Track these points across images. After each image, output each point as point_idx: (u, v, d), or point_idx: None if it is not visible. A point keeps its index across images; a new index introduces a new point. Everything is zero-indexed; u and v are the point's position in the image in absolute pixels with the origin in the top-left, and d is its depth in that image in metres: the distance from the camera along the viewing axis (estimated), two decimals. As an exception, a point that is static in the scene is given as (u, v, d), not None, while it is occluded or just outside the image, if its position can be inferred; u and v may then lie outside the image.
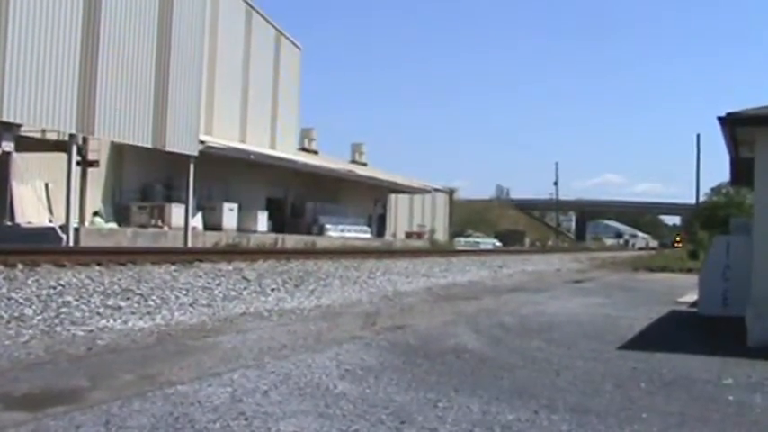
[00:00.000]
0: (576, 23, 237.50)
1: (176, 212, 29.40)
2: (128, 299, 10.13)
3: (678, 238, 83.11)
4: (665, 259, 37.59)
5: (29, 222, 25.26)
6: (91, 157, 25.89)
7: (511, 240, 75.25)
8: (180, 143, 25.92)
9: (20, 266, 11.67)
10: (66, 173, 21.83)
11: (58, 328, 7.96)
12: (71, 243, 21.02)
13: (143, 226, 29.00)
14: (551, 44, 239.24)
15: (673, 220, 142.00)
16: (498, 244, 67.23)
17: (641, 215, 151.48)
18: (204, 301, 10.79)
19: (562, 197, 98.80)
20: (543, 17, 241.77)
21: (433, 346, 7.98)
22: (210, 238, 29.19)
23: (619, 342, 8.91)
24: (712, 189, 57.56)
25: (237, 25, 39.83)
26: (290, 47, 45.51)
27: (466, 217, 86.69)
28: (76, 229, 22.57)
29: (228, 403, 5.09)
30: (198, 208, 31.47)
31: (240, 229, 33.94)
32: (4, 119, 19.35)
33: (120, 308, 9.48)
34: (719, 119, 9.32)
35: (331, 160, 48.95)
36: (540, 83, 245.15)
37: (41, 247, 16.17)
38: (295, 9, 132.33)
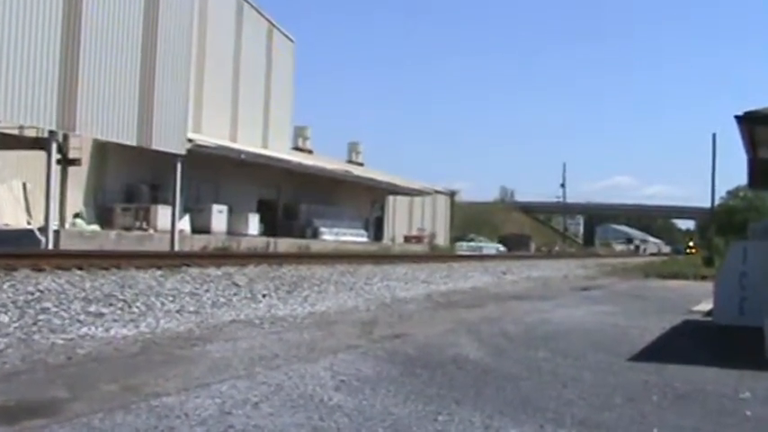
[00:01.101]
0: (583, 23, 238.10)
1: (162, 214, 29.38)
2: (110, 305, 10.11)
3: (691, 244, 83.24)
4: (678, 266, 37.65)
5: (5, 224, 25.24)
6: (72, 155, 25.88)
7: (515, 245, 75.38)
8: (167, 141, 25.90)
9: (-4, 270, 11.65)
10: (46, 172, 21.80)
11: (36, 336, 7.94)
12: (50, 246, 21.00)
13: (127, 228, 28.98)
14: (557, 44, 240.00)
15: (686, 224, 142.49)
16: (502, 249, 67.28)
17: (653, 219, 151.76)
18: (192, 308, 10.77)
19: (570, 200, 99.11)
20: (550, 17, 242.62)
21: (433, 356, 7.97)
22: (199, 242, 29.19)
23: (629, 353, 8.90)
24: (729, 192, 57.74)
25: (227, 17, 39.86)
26: (282, 40, 45.54)
27: (468, 220, 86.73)
28: (56, 232, 22.55)
29: (217, 416, 5.08)
30: (185, 210, 31.45)
31: (230, 232, 33.96)
32: (-20, 114, 19.34)
33: (102, 315, 9.46)
34: (737, 117, 9.34)
35: (326, 160, 48.95)
36: (546, 81, 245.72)
37: (19, 250, 16.14)
38: (289, 1, 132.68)
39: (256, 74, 42.63)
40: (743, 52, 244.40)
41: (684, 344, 10.28)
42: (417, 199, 61.64)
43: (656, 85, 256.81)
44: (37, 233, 21.87)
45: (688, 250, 79.78)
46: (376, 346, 8.29)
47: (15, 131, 23.47)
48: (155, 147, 25.52)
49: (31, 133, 23.68)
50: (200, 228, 32.76)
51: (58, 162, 23.50)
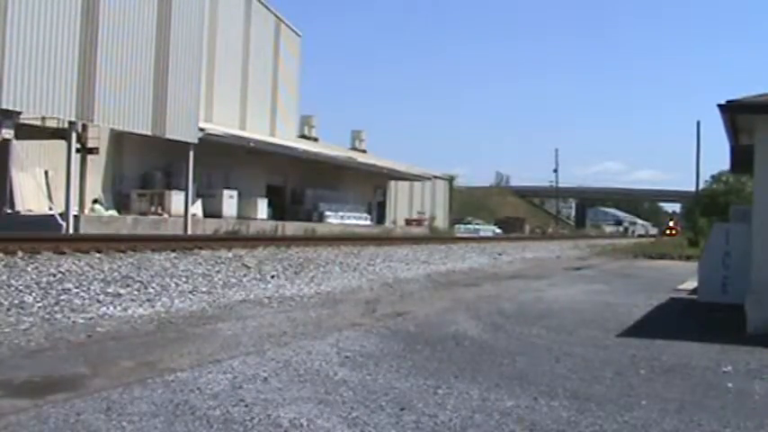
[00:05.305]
0: (576, 12, 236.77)
1: (176, 200, 29.40)
2: (128, 286, 10.14)
3: (672, 224, 79.38)
4: (664, 246, 37.58)
5: (29, 210, 25.24)
6: (90, 144, 25.83)
7: (511, 227, 75.27)
8: (179, 130, 25.86)
9: (20, 254, 11.68)
10: (66, 160, 21.80)
11: (59, 316, 7.97)
12: (71, 230, 21.00)
13: (143, 213, 28.99)
14: (552, 33, 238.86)
15: (673, 207, 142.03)
16: (498, 231, 67.17)
17: (641, 202, 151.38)
18: (204, 288, 10.79)
19: (562, 184, 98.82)
20: (547, 8, 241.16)
21: (433, 332, 7.98)
22: (210, 226, 29.17)
23: (618, 329, 8.92)
24: (712, 176, 57.50)
25: (237, 12, 39.66)
26: (289, 34, 45.35)
27: (466, 204, 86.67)
28: (76, 217, 22.55)
29: (228, 390, 5.10)
30: (198, 195, 31.41)
31: (240, 216, 33.93)
32: (4, 106, 19.29)
33: (120, 295, 9.49)
34: (720, 106, 9.28)
35: (331, 147, 48.84)
36: (541, 70, 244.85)
37: (41, 234, 16.16)
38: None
39: (265, 66, 42.48)
40: (729, 44, 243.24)
41: (670, 320, 10.29)
42: (417, 184, 61.52)
43: (646, 73, 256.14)
44: (58, 218, 21.86)
45: (668, 231, 75.51)
46: (379, 324, 8.31)
47: (38, 122, 23.45)
48: (168, 136, 25.48)
49: (52, 124, 23.66)
50: (212, 212, 32.73)
51: (78, 151, 23.46)
